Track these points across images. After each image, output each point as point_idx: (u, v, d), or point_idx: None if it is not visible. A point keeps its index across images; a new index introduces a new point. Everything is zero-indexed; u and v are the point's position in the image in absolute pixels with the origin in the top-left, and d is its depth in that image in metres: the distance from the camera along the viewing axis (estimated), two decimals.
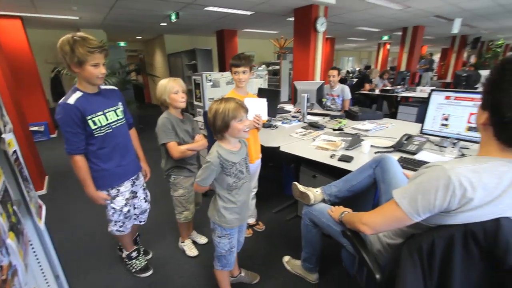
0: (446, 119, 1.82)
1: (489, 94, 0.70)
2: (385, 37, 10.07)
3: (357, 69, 14.02)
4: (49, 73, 6.30)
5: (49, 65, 6.47)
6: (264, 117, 1.73)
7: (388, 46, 12.53)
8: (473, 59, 12.81)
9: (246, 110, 1.23)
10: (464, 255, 0.69)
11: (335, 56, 15.92)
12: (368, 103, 6.34)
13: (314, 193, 1.50)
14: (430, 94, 1.87)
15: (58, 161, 4.18)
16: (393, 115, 5.71)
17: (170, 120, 1.61)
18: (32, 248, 1.03)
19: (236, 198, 1.31)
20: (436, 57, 14.83)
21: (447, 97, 1.81)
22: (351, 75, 11.28)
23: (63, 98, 1.31)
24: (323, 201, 1.52)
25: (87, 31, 7.01)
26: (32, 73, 5.35)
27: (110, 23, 6.12)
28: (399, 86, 6.05)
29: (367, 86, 6.13)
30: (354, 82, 7.11)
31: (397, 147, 1.85)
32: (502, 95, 0.65)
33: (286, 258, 1.86)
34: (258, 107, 1.73)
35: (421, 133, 1.95)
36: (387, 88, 5.91)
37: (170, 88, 1.59)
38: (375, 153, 1.87)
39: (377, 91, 5.89)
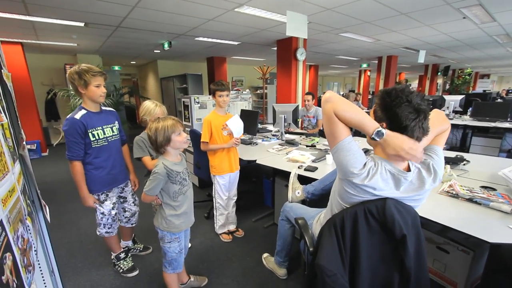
0: None
1: (386, 112, 0.98)
2: (364, 65, 10.92)
3: (342, 93, 14.87)
4: (43, 94, 6.55)
5: (44, 86, 6.76)
6: (240, 133, 2.15)
7: (368, 73, 13.48)
8: (448, 86, 13.85)
9: (182, 125, 1.43)
10: (366, 227, 0.97)
11: (321, 81, 16.89)
12: None
13: (296, 195, 1.78)
14: None
15: (48, 178, 4.31)
16: None
17: (145, 138, 1.85)
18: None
19: (182, 203, 1.48)
20: (415, 83, 15.94)
21: None
22: None
23: (70, 114, 1.60)
24: (303, 200, 1.78)
25: (84, 56, 7.35)
26: (28, 94, 5.60)
27: (106, 50, 6.53)
28: None
29: None
30: None
31: None
32: (395, 112, 0.94)
33: (265, 255, 2.10)
34: (238, 124, 2.13)
35: None
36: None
37: (155, 114, 1.88)
38: None
39: None
